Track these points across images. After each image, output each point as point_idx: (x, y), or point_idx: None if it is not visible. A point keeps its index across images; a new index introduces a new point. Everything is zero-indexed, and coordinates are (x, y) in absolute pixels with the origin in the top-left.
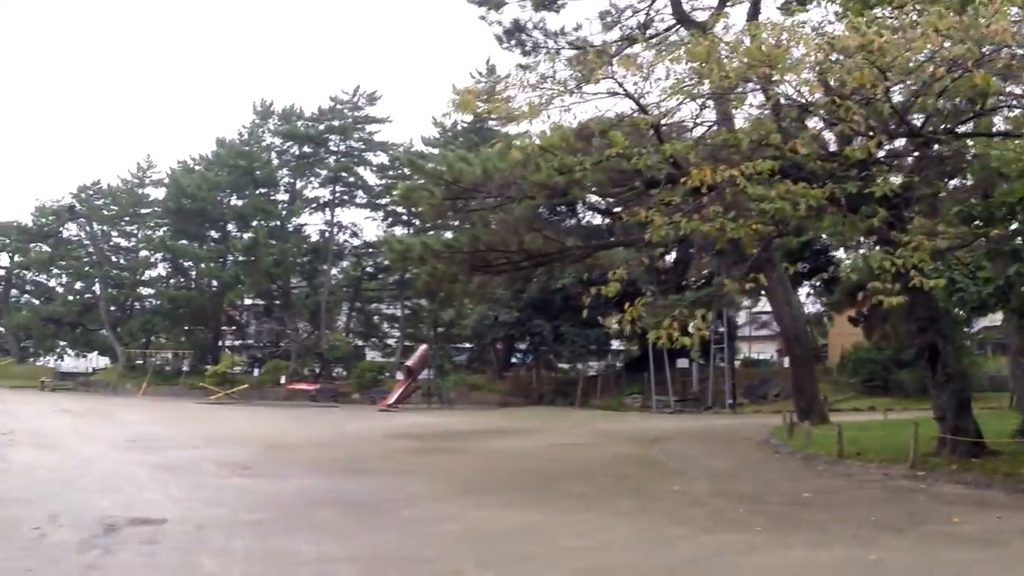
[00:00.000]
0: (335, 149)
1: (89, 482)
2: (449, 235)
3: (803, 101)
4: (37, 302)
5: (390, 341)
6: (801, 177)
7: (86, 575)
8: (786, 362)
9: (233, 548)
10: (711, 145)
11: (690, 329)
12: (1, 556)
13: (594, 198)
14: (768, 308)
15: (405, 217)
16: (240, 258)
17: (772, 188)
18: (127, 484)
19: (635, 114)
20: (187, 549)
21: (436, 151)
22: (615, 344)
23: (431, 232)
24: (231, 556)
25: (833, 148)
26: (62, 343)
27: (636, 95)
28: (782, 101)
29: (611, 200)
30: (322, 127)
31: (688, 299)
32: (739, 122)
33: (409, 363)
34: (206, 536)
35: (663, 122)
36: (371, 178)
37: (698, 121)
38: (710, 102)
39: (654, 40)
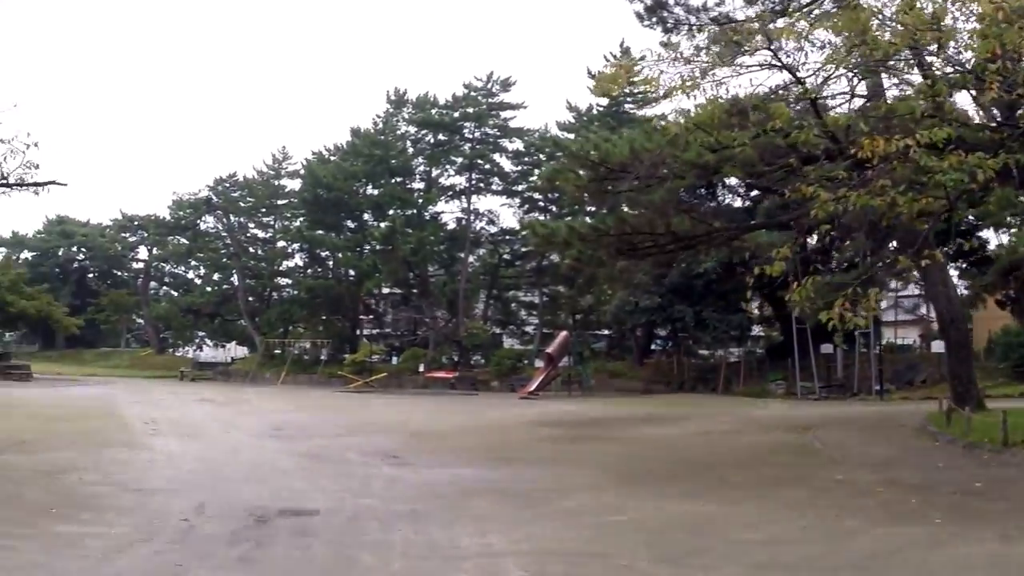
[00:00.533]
0: (470, 136)
1: (235, 471)
2: (588, 219)
3: (969, 68)
4: (176, 293)
5: (528, 328)
6: (973, 147)
7: (239, 569)
8: (933, 347)
9: (390, 541)
10: (874, 116)
11: (861, 310)
12: (150, 549)
13: (733, 180)
14: (912, 292)
15: (542, 203)
16: (377, 247)
17: (944, 159)
18: (274, 474)
19: (791, 87)
20: (342, 542)
21: (572, 136)
22: (756, 330)
23: (568, 217)
24: (389, 549)
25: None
26: (201, 333)
27: (792, 67)
28: (946, 69)
29: (755, 180)
30: (456, 114)
31: (855, 278)
32: (892, 93)
33: (549, 350)
34: (360, 528)
35: (820, 95)
36: (507, 165)
37: (856, 93)
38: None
39: (803, 10)
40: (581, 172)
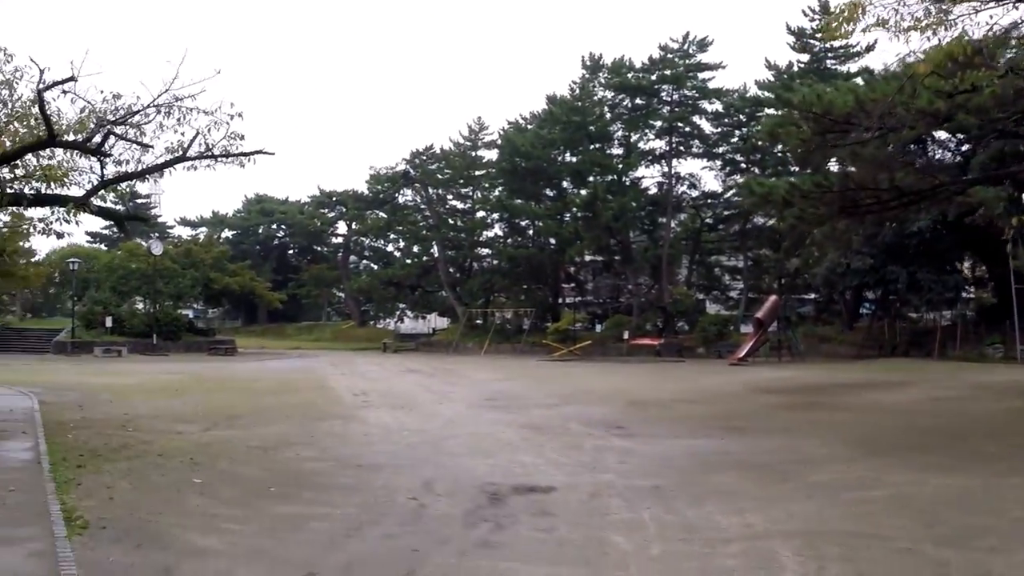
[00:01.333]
0: (668, 99)
1: (458, 445)
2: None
3: None
4: (376, 266)
5: (732, 293)
6: None
7: (481, 555)
8: None
9: (640, 520)
10: None
11: None
12: (380, 531)
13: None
14: None
15: (744, 165)
16: (578, 214)
17: None
18: (498, 447)
19: None
20: (587, 523)
21: (771, 96)
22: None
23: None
24: (641, 530)
25: None
26: (401, 305)
27: None
28: None
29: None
30: (654, 77)
31: None
32: None
33: (759, 315)
34: (603, 506)
35: None
36: (707, 127)
37: None
38: None
39: None
40: (803, 125)
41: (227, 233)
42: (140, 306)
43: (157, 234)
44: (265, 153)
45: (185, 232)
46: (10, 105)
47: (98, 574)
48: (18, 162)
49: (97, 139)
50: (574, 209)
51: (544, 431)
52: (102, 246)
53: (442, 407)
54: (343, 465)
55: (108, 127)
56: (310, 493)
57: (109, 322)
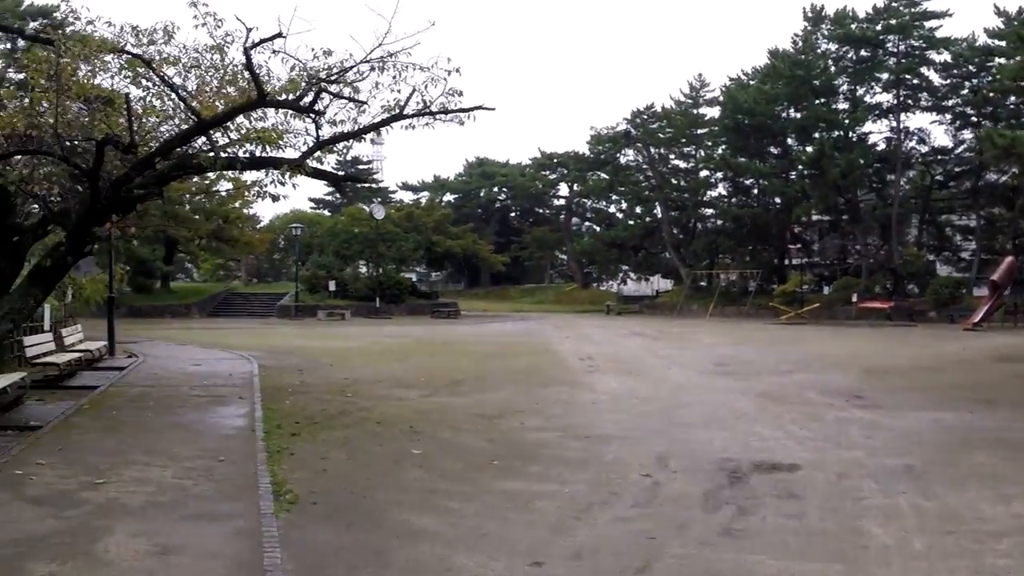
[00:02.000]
0: (894, 50)
1: (690, 414)
2: None
3: None
4: (598, 228)
5: (964, 255)
6: None
7: (725, 546)
8: None
9: (897, 507)
10: None
11: None
12: (612, 514)
13: None
14: None
15: (975, 119)
16: (804, 172)
17: None
18: (733, 417)
19: None
20: (839, 508)
21: (1003, 44)
22: None
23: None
24: (900, 519)
25: None
26: (624, 267)
27: None
28: None
29: None
30: (878, 27)
31: None
32: None
33: (994, 277)
34: (853, 488)
35: None
36: (935, 78)
37: None
38: None
39: None
40: None
41: (448, 197)
42: (363, 270)
43: (379, 199)
44: (485, 109)
45: (407, 197)
46: (221, 70)
47: (303, 560)
48: (231, 125)
49: (309, 98)
50: (800, 167)
51: (780, 400)
52: (325, 212)
53: (671, 373)
54: (570, 435)
55: (320, 85)
56: (536, 467)
57: (332, 286)
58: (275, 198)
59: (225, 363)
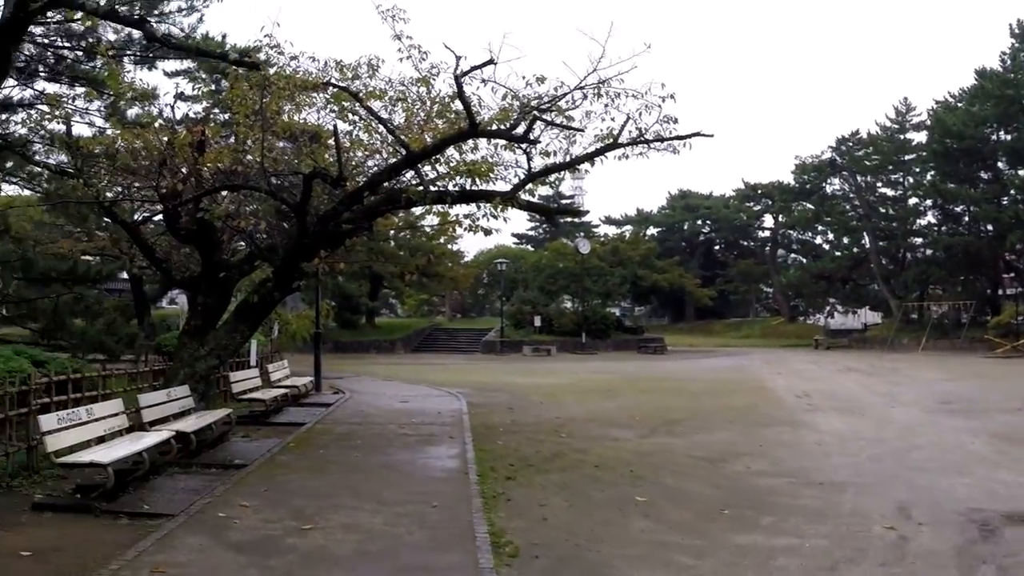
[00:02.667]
0: None
1: (923, 458)
2: None
3: None
4: (804, 260)
5: None
6: None
7: None
8: None
9: None
10: None
11: None
12: (861, 572)
13: None
14: None
15: None
16: (1017, 197)
17: None
18: (971, 461)
19: None
20: None
21: None
22: None
23: None
24: None
25: None
26: (832, 300)
27: None
28: None
29: None
30: None
31: None
32: None
33: None
34: None
35: None
36: None
37: None
38: None
39: None
40: None
41: (652, 230)
42: (568, 305)
43: (582, 233)
44: (703, 135)
45: (609, 231)
46: (428, 103)
47: None
48: (440, 158)
49: (521, 128)
50: (1012, 191)
51: (1018, 442)
52: (528, 247)
53: (894, 411)
54: (801, 482)
55: (533, 113)
56: (769, 517)
57: (538, 321)
58: (487, 232)
59: (433, 400)
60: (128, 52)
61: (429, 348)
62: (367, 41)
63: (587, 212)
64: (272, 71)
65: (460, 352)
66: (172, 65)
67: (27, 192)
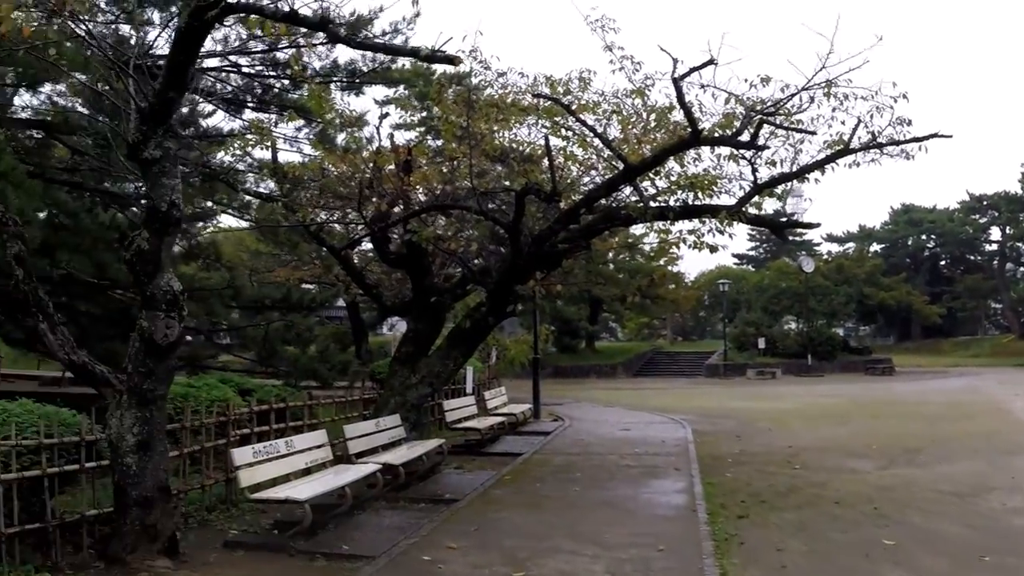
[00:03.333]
0: None
1: None
2: None
3: None
4: None
5: None
6: None
7: None
8: None
9: None
10: None
11: None
12: None
13: None
14: None
15: None
16: None
17: None
18: None
19: None
20: None
21: None
22: None
23: None
24: None
25: None
26: None
27: None
28: None
29: None
30: None
31: None
32: None
33: None
34: None
35: None
36: None
37: None
38: None
39: None
40: None
41: (875, 247)
42: (791, 325)
43: (803, 252)
44: (941, 136)
45: (831, 249)
46: (644, 114)
47: None
48: (660, 171)
49: (747, 135)
50: None
51: None
52: (748, 267)
53: None
54: None
55: (759, 117)
56: None
57: (761, 343)
58: (713, 249)
59: (656, 427)
60: (335, 79)
61: (650, 372)
62: (573, 57)
63: (819, 224)
64: (475, 81)
65: (682, 376)
66: (380, 91)
67: (242, 223)
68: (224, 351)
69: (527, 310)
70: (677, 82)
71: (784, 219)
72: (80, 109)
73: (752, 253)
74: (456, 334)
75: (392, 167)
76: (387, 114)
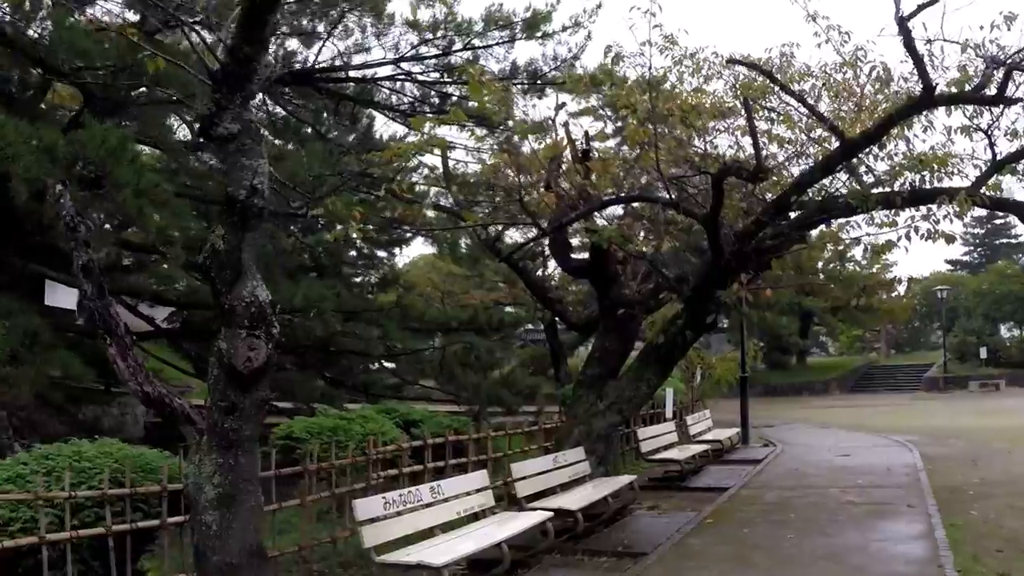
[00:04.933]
0: None
1: None
2: None
3: None
4: None
5: None
6: None
7: None
8: None
9: None
10: None
11: None
12: None
13: None
14: None
15: None
16: None
17: None
18: None
19: None
20: None
21: None
22: None
23: None
24: None
25: None
26: None
27: None
28: None
29: None
30: None
31: None
32: None
33: None
34: None
35: None
36: None
37: None
38: None
39: None
40: None
41: None
42: (1014, 332)
43: (1021, 254)
44: None
45: None
46: (857, 88)
47: None
48: (879, 153)
49: (993, 88)
50: None
51: None
52: (963, 272)
53: None
54: None
55: (1008, 63)
56: None
57: (983, 353)
58: (950, 239)
59: (878, 452)
60: (516, 81)
61: (865, 388)
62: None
63: None
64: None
65: (899, 391)
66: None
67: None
68: (398, 378)
69: (733, 324)
70: (903, 23)
71: None
72: None
73: (966, 259)
74: (649, 352)
75: (568, 159)
76: (563, 104)
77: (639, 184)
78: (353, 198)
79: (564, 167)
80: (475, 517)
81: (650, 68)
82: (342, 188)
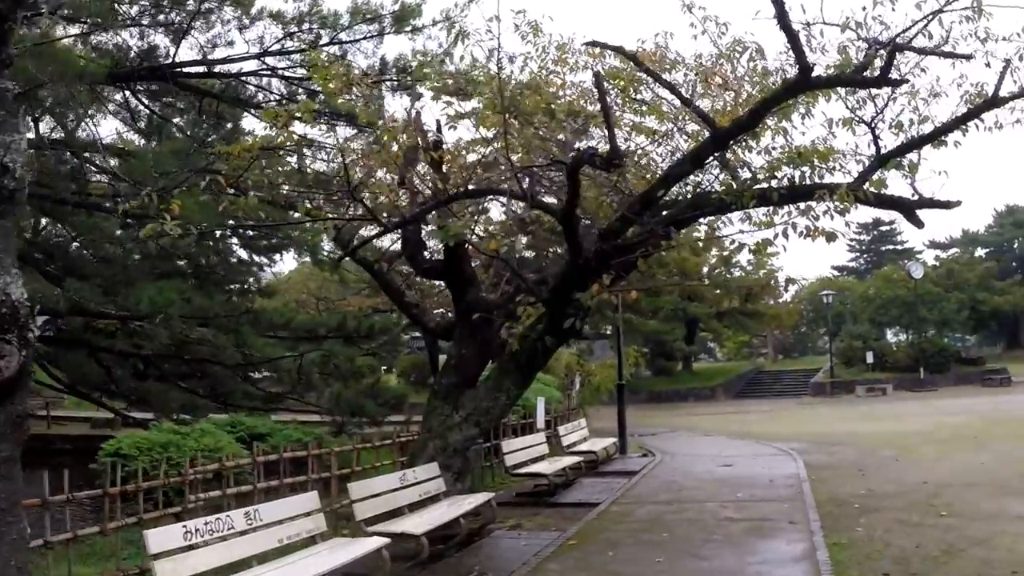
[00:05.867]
0: None
1: None
2: None
3: None
4: None
5: None
6: None
7: None
8: None
9: None
10: None
11: None
12: None
13: None
14: None
15: None
16: None
17: None
18: None
19: None
20: None
21: None
22: None
23: None
24: None
25: None
26: None
27: None
28: None
29: None
30: None
31: None
32: None
33: None
34: None
35: None
36: None
37: None
38: None
39: None
40: None
41: (979, 252)
42: (899, 337)
43: (906, 260)
44: None
45: (935, 255)
46: (732, 83)
47: None
48: (754, 146)
49: (875, 70)
50: None
51: None
52: (849, 278)
53: None
54: None
55: (894, 43)
56: None
57: (869, 357)
58: (831, 237)
59: (762, 461)
60: (386, 78)
61: (752, 393)
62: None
63: (959, 203)
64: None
65: (786, 396)
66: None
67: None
68: (258, 389)
69: (615, 329)
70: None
71: (916, 198)
72: None
73: (852, 264)
74: (507, 360)
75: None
76: (420, 95)
77: (499, 178)
78: (202, 197)
79: (420, 161)
80: (306, 544)
81: (499, 47)
82: (185, 184)
